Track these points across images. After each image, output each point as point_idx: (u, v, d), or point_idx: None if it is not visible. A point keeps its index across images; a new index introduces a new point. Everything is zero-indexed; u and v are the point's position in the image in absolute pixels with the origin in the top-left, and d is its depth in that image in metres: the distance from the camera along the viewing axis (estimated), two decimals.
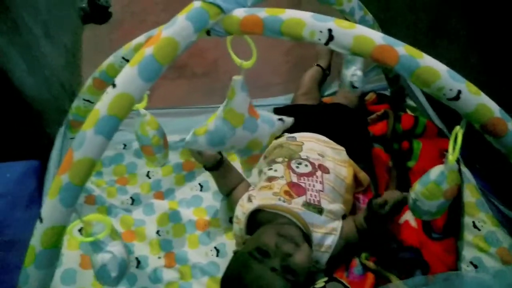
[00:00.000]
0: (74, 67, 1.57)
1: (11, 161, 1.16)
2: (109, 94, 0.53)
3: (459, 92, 0.60)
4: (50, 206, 0.53)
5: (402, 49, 0.60)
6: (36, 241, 0.53)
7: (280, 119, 0.82)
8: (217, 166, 1.02)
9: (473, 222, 0.99)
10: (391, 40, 0.60)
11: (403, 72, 0.60)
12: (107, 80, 0.80)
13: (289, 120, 0.84)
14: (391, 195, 0.89)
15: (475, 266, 0.93)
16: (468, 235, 0.98)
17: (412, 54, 0.60)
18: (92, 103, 0.87)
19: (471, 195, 1.03)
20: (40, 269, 0.54)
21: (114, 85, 0.54)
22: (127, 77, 0.54)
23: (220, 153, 1.02)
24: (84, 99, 0.89)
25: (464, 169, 1.08)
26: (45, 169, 1.08)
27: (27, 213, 1.08)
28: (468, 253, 0.96)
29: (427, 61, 0.60)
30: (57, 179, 0.53)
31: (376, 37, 0.60)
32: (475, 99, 0.61)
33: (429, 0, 1.26)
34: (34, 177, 1.14)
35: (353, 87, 0.97)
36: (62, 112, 1.09)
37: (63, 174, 0.53)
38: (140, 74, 0.54)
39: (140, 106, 0.87)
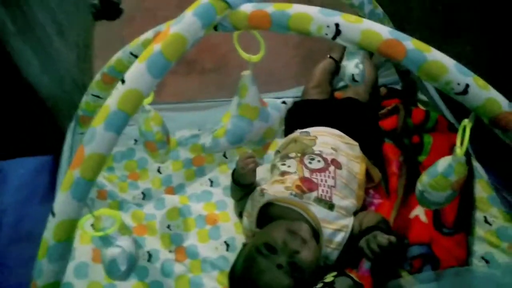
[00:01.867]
0: (86, 63, 1.59)
1: (25, 156, 1.19)
2: (119, 90, 0.54)
3: (467, 86, 0.60)
4: (62, 200, 0.54)
5: (410, 43, 0.59)
6: (48, 235, 0.55)
7: (283, 102, 0.82)
8: (249, 185, 0.99)
9: (485, 217, 0.98)
10: (398, 34, 0.60)
11: (410, 66, 0.60)
12: (116, 75, 0.81)
13: (289, 100, 0.84)
14: (380, 240, 0.80)
15: (487, 261, 0.92)
16: (480, 230, 0.97)
17: (419, 48, 0.59)
18: (101, 98, 0.88)
19: (483, 190, 1.02)
20: (53, 262, 0.55)
21: (123, 81, 0.54)
22: (136, 73, 0.55)
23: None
24: (93, 95, 0.90)
25: (476, 164, 1.06)
26: (58, 164, 1.10)
27: (42, 207, 1.10)
28: (479, 248, 0.95)
29: (434, 55, 0.60)
30: (68, 174, 0.54)
31: (384, 31, 0.59)
32: (483, 93, 0.60)
33: None
34: (48, 172, 1.16)
35: (354, 80, 0.95)
36: (75, 108, 1.10)
37: (75, 169, 0.54)
38: (149, 70, 0.54)
39: (146, 102, 0.88)
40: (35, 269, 0.56)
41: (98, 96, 0.90)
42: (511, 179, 1.08)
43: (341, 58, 1.36)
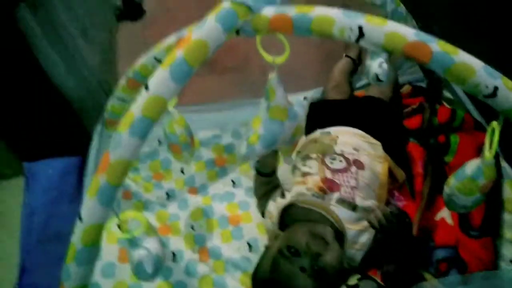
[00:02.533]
0: (110, 65, 1.61)
1: (53, 157, 1.22)
2: (143, 96, 0.55)
3: (496, 88, 0.58)
4: (89, 205, 0.55)
5: (436, 45, 0.58)
6: (76, 239, 0.56)
7: (304, 98, 0.82)
8: (270, 174, 1.01)
9: None
10: (424, 36, 0.58)
11: (436, 69, 0.58)
12: (140, 80, 0.82)
13: (309, 95, 0.83)
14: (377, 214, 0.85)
15: None
16: (508, 233, 0.95)
17: (446, 50, 0.58)
18: (126, 101, 0.90)
19: (511, 192, 0.99)
20: (80, 266, 0.57)
21: (146, 87, 0.55)
22: (159, 80, 0.55)
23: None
24: (118, 98, 0.92)
25: (505, 165, 1.04)
26: (85, 165, 1.12)
27: (70, 207, 1.13)
28: (508, 252, 0.93)
29: (461, 57, 0.58)
30: (95, 180, 0.56)
31: (408, 33, 0.58)
32: None
33: None
34: (76, 173, 1.19)
35: (378, 80, 0.94)
36: (100, 109, 1.12)
37: (101, 175, 0.55)
38: (172, 76, 0.55)
39: (170, 105, 0.88)
40: (63, 272, 0.58)
41: (123, 100, 0.91)
42: None
43: (358, 57, 1.36)
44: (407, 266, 0.89)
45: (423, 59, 0.58)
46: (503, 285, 0.82)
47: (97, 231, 0.56)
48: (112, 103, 0.95)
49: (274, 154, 0.98)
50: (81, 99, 1.30)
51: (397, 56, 0.98)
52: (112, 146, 0.55)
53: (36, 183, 1.16)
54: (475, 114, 1.15)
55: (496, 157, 0.98)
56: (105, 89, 1.46)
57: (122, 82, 0.87)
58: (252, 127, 0.77)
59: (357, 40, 0.59)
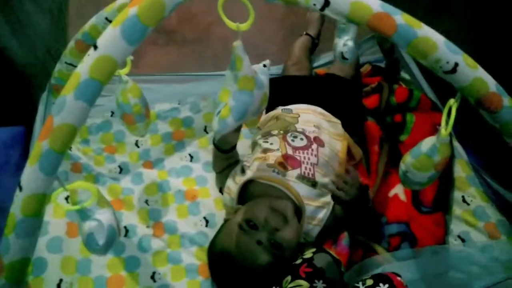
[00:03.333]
0: (60, 31, 1.52)
1: None
2: (90, 56, 0.50)
3: (456, 64, 0.58)
4: (29, 173, 0.51)
5: (400, 17, 0.57)
6: (16, 209, 0.52)
7: (264, 65, 0.80)
8: (231, 149, 0.99)
9: (463, 197, 0.99)
10: (389, 8, 0.57)
11: (400, 42, 0.58)
12: (90, 42, 0.76)
13: (267, 62, 0.82)
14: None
15: (463, 240, 0.94)
16: (457, 209, 0.99)
17: (410, 24, 0.57)
18: (75, 66, 0.84)
19: (462, 170, 1.03)
20: (21, 238, 0.53)
21: (95, 47, 0.51)
22: (110, 39, 0.51)
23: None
24: (67, 63, 0.86)
25: (456, 144, 1.07)
26: (30, 135, 1.06)
27: (14, 179, 1.05)
28: (456, 227, 0.97)
29: (425, 31, 0.58)
30: (37, 146, 0.51)
31: (374, 4, 0.57)
32: (472, 72, 0.59)
33: None
34: (20, 144, 1.12)
35: (343, 58, 0.94)
36: (48, 77, 1.05)
37: (43, 140, 0.50)
38: (124, 35, 0.51)
39: (123, 72, 0.83)
40: (2, 245, 0.54)
41: (72, 64, 0.85)
42: (490, 159, 1.09)
43: (318, 35, 1.36)
44: (360, 241, 0.91)
45: (387, 32, 0.57)
46: (451, 259, 0.86)
47: (38, 201, 0.51)
48: (59, 68, 0.89)
49: (234, 130, 0.96)
50: (27, 65, 1.22)
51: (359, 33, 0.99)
52: (55, 109, 0.51)
53: None
54: (431, 95, 1.18)
55: (449, 136, 1.01)
56: (54, 56, 1.37)
57: (71, 44, 0.81)
58: (221, 100, 0.74)
59: (322, 8, 0.58)
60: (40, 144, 0.51)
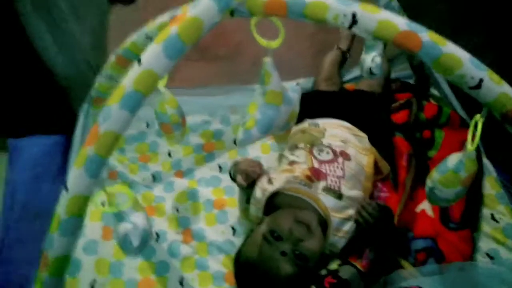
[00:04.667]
0: (101, 47, 1.59)
1: (38, 135, 1.21)
2: (135, 70, 0.55)
3: (481, 80, 0.59)
4: (75, 176, 0.55)
5: (426, 35, 0.59)
6: (61, 209, 0.56)
7: (297, 84, 0.83)
8: (251, 185, 1.00)
9: (492, 214, 0.98)
10: (415, 26, 0.59)
11: (425, 59, 0.60)
12: (130, 58, 0.81)
13: (302, 82, 0.85)
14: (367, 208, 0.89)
15: (491, 258, 0.93)
16: (486, 227, 0.97)
17: (435, 41, 0.59)
18: (114, 80, 0.89)
19: (491, 188, 1.02)
20: (63, 236, 0.56)
21: (139, 62, 0.55)
22: (152, 55, 0.55)
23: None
24: (107, 76, 0.91)
25: (485, 161, 1.06)
26: (70, 144, 1.11)
27: (54, 186, 1.11)
28: (484, 245, 0.95)
29: (450, 48, 0.59)
30: (83, 151, 0.55)
31: (400, 22, 0.59)
32: (497, 88, 0.60)
33: None
34: (60, 152, 1.17)
35: (371, 73, 0.95)
36: (88, 90, 1.11)
37: (89, 146, 0.55)
38: (165, 51, 0.55)
39: (161, 85, 0.88)
40: (47, 242, 0.57)
41: (111, 78, 0.90)
42: None
43: (348, 50, 1.38)
44: (386, 255, 0.91)
45: (413, 48, 0.59)
46: (478, 276, 0.85)
47: (82, 202, 0.55)
48: (99, 81, 0.94)
49: (245, 181, 0.99)
50: (69, 78, 1.28)
51: (390, 50, 1.00)
52: (101, 118, 0.55)
53: (20, 159, 1.15)
54: (461, 112, 1.17)
55: (478, 153, 1.00)
56: (95, 70, 1.44)
57: (111, 59, 0.87)
58: (248, 112, 0.77)
59: (350, 26, 0.60)
60: (86, 149, 0.55)
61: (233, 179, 1.04)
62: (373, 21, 0.59)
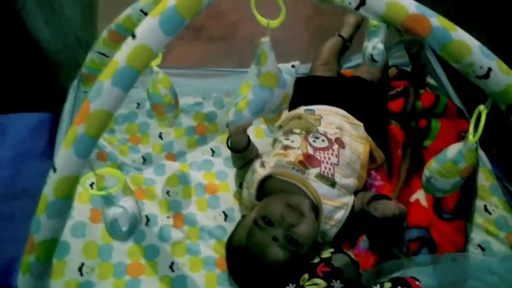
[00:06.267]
0: (91, 22, 1.55)
1: (24, 112, 1.17)
2: (128, 45, 0.51)
3: (489, 69, 0.58)
4: (64, 156, 0.52)
5: (436, 20, 0.57)
6: (48, 190, 0.53)
7: (292, 66, 0.80)
8: (242, 150, 0.99)
9: (485, 206, 0.98)
10: (425, 10, 0.57)
11: (434, 45, 0.58)
12: (123, 33, 0.78)
13: (297, 63, 0.82)
14: (390, 208, 0.87)
15: (483, 249, 0.93)
16: (479, 218, 0.97)
17: (445, 26, 0.57)
18: (107, 56, 0.85)
19: (485, 179, 1.02)
20: (51, 218, 0.54)
21: (134, 36, 0.52)
22: (148, 29, 0.52)
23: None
24: (99, 52, 0.87)
25: (481, 153, 1.06)
26: (57, 122, 1.08)
27: (40, 164, 1.08)
28: (477, 236, 0.95)
29: (460, 34, 0.57)
30: (72, 130, 0.52)
31: (410, 5, 0.57)
32: (506, 78, 0.58)
33: None
34: (47, 130, 1.14)
35: (373, 60, 0.94)
36: (77, 66, 1.08)
37: (79, 124, 0.52)
38: (161, 26, 0.52)
39: (154, 63, 0.85)
40: (33, 224, 0.55)
41: (103, 54, 0.87)
42: None
43: (350, 38, 1.35)
44: (380, 244, 0.91)
45: (422, 33, 0.57)
46: (470, 267, 0.85)
47: (71, 183, 0.53)
48: (91, 57, 0.90)
49: (242, 132, 0.97)
50: (57, 53, 1.24)
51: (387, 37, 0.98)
52: (92, 95, 0.52)
53: (5, 136, 1.11)
54: (457, 101, 1.16)
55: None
56: (84, 45, 1.40)
57: (104, 34, 0.83)
58: (241, 92, 0.74)
59: (358, 7, 0.58)
60: (75, 128, 0.52)
61: (230, 147, 1.00)
62: (381, 3, 0.57)
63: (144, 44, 0.52)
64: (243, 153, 1.00)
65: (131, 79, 0.52)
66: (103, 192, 0.62)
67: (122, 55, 0.51)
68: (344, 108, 1.07)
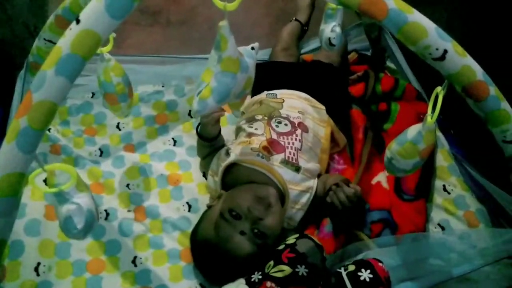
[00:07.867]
0: (39, 7, 1.47)
1: None
2: (72, 30, 0.48)
3: (445, 51, 0.58)
4: (6, 151, 0.49)
5: (392, 2, 0.56)
6: None
7: (252, 48, 0.78)
8: (212, 140, 0.97)
9: (444, 186, 1.01)
10: None
11: (390, 27, 0.57)
12: (71, 18, 0.73)
13: (256, 45, 0.81)
14: (347, 190, 0.86)
15: (443, 228, 0.96)
16: (438, 198, 1.00)
17: (401, 8, 0.57)
18: (54, 43, 0.80)
19: (443, 160, 1.05)
20: None
21: (78, 21, 0.48)
22: (93, 12, 0.48)
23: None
24: (45, 39, 0.82)
25: (439, 134, 1.08)
26: (7, 115, 1.02)
27: None
28: (436, 215, 0.98)
29: (416, 17, 0.57)
30: (14, 123, 0.49)
31: None
32: (460, 60, 0.59)
33: None
34: None
35: (331, 44, 0.93)
36: (26, 55, 1.01)
37: (21, 117, 0.48)
38: (108, 9, 0.48)
39: (105, 50, 0.80)
40: None
41: (51, 41, 0.82)
42: (472, 149, 1.10)
43: (307, 22, 1.35)
44: (343, 227, 0.92)
45: (379, 16, 0.56)
46: (430, 246, 0.87)
47: (16, 180, 0.49)
48: (38, 45, 0.85)
49: (215, 123, 0.95)
50: (4, 41, 1.17)
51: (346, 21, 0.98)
52: (35, 85, 0.48)
53: None
54: (416, 84, 1.18)
55: None
56: (33, 33, 1.32)
57: (51, 20, 0.78)
58: (203, 80, 0.72)
59: None
60: (17, 121, 0.48)
61: (200, 135, 0.98)
62: None
63: (89, 29, 0.48)
64: (212, 142, 0.98)
65: (77, 67, 0.48)
66: (54, 189, 0.58)
67: (66, 42, 0.48)
68: (306, 92, 1.07)
